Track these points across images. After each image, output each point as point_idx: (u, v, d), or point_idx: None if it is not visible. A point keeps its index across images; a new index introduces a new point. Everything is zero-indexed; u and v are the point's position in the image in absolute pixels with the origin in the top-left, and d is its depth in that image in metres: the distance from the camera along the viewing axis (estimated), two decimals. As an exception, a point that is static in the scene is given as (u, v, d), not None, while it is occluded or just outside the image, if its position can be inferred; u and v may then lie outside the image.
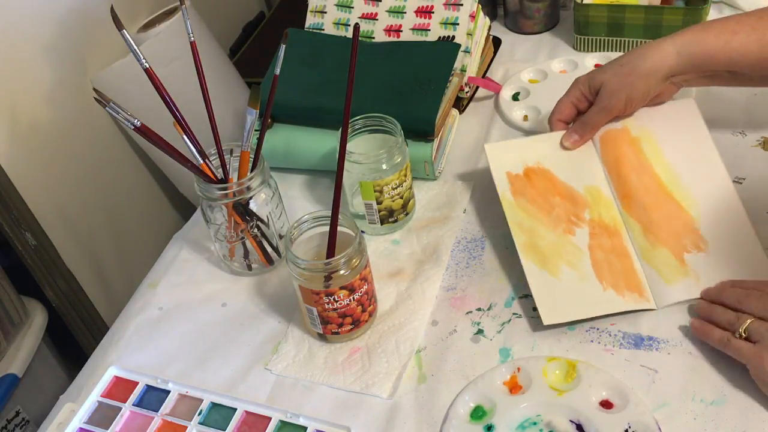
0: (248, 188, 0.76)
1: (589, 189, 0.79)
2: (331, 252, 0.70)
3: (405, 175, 0.81)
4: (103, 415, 0.70)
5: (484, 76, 1.04)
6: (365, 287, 0.70)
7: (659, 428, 0.61)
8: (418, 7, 0.96)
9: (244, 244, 0.80)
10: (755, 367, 0.61)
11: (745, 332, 0.63)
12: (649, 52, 0.77)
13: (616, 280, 0.72)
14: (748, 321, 0.63)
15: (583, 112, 0.82)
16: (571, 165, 0.81)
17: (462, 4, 0.94)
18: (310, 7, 1.01)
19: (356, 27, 0.69)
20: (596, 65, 1.02)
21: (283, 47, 0.74)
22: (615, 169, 0.79)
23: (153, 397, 0.70)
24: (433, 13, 0.95)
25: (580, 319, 0.70)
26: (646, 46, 0.78)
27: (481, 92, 1.02)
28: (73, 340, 1.21)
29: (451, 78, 0.91)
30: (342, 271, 0.68)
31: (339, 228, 0.70)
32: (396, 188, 0.80)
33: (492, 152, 0.82)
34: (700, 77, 0.78)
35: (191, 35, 0.75)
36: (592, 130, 0.82)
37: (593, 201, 0.78)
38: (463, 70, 0.95)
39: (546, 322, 0.69)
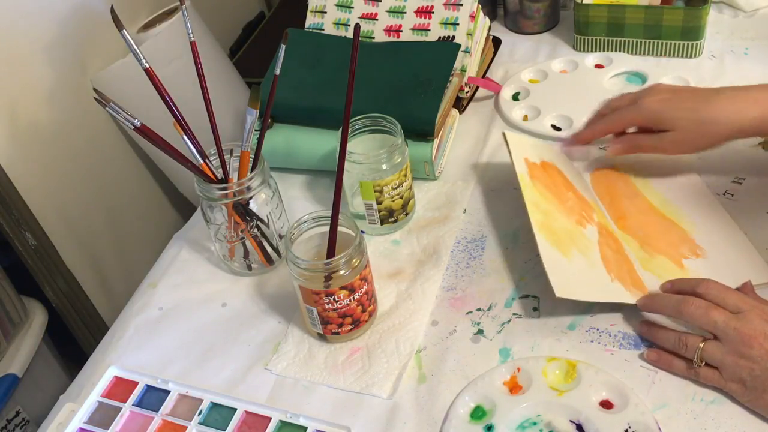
0: (248, 188, 0.76)
1: (593, 203, 0.81)
2: (331, 252, 0.70)
3: (405, 175, 0.81)
4: (103, 415, 0.69)
5: (484, 76, 1.04)
6: (365, 287, 0.70)
7: (659, 428, 0.61)
8: (418, 7, 0.96)
9: (244, 244, 0.80)
10: (732, 393, 0.62)
11: (701, 360, 0.63)
12: (732, 117, 0.72)
13: (622, 276, 0.71)
14: (701, 345, 0.62)
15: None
16: (577, 180, 0.83)
17: (462, 4, 0.94)
18: (310, 7, 1.01)
19: (357, 27, 0.69)
20: (597, 65, 1.03)
21: (283, 47, 0.74)
22: (607, 197, 0.82)
23: (153, 397, 0.70)
24: (433, 13, 0.95)
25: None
26: (730, 104, 0.72)
27: (481, 92, 1.02)
28: (73, 340, 1.21)
29: (451, 78, 0.91)
30: (342, 271, 0.68)
31: (339, 228, 0.70)
32: (396, 188, 0.80)
33: (511, 138, 0.82)
34: None
35: (191, 35, 0.75)
36: (637, 151, 0.81)
37: (597, 210, 0.79)
38: (463, 70, 0.95)
39: (558, 294, 0.66)
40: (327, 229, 0.70)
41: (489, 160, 0.91)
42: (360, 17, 0.98)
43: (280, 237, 0.82)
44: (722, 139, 0.74)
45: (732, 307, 0.63)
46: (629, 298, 0.69)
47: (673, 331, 0.66)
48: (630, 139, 0.81)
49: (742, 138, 0.75)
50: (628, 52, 1.04)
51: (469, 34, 0.94)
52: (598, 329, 0.70)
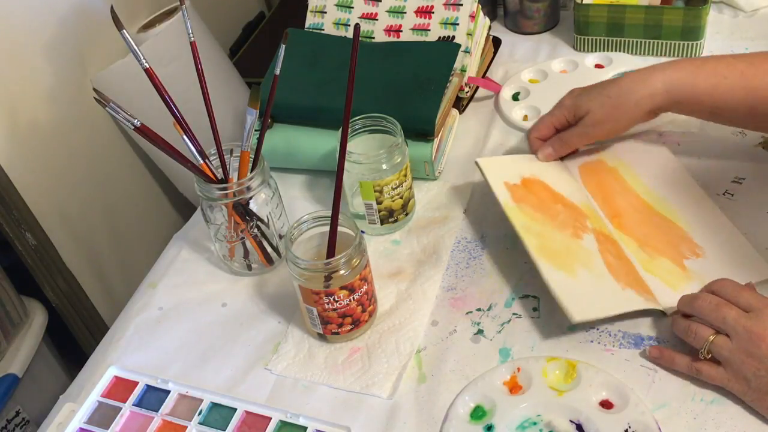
0: (248, 188, 0.76)
1: (584, 204, 0.80)
2: (331, 252, 0.70)
3: (405, 175, 0.81)
4: (103, 415, 0.70)
5: (484, 76, 1.04)
6: (365, 287, 0.70)
7: (659, 428, 0.61)
8: (418, 7, 0.96)
9: (244, 244, 0.80)
10: (735, 391, 0.61)
11: (708, 352, 0.62)
12: (638, 86, 0.76)
13: (630, 282, 0.71)
14: (710, 338, 0.62)
15: (561, 131, 0.84)
16: (564, 183, 0.82)
17: (462, 4, 0.94)
18: (310, 7, 1.01)
19: (357, 27, 0.69)
20: (596, 65, 1.03)
21: (283, 47, 0.74)
22: (599, 194, 0.81)
23: (153, 397, 0.70)
24: (433, 13, 0.95)
25: (604, 318, 0.69)
26: (635, 77, 0.77)
27: (481, 92, 1.02)
28: (73, 340, 1.21)
29: (451, 78, 0.91)
30: (342, 271, 0.68)
31: (339, 228, 0.70)
32: (396, 188, 0.80)
33: (486, 165, 0.81)
34: (683, 112, 0.79)
35: (191, 35, 0.75)
36: (569, 148, 0.84)
37: (590, 214, 0.78)
38: (463, 70, 0.95)
39: (576, 318, 0.66)
40: (327, 229, 0.70)
41: (489, 160, 0.91)
42: (360, 17, 0.98)
43: (280, 237, 0.82)
44: (636, 111, 0.77)
45: (745, 305, 0.62)
46: (644, 303, 0.69)
47: (687, 320, 0.65)
48: (556, 138, 0.84)
49: (659, 110, 0.77)
50: (628, 52, 1.04)
51: (469, 34, 0.94)
52: (597, 329, 0.70)
